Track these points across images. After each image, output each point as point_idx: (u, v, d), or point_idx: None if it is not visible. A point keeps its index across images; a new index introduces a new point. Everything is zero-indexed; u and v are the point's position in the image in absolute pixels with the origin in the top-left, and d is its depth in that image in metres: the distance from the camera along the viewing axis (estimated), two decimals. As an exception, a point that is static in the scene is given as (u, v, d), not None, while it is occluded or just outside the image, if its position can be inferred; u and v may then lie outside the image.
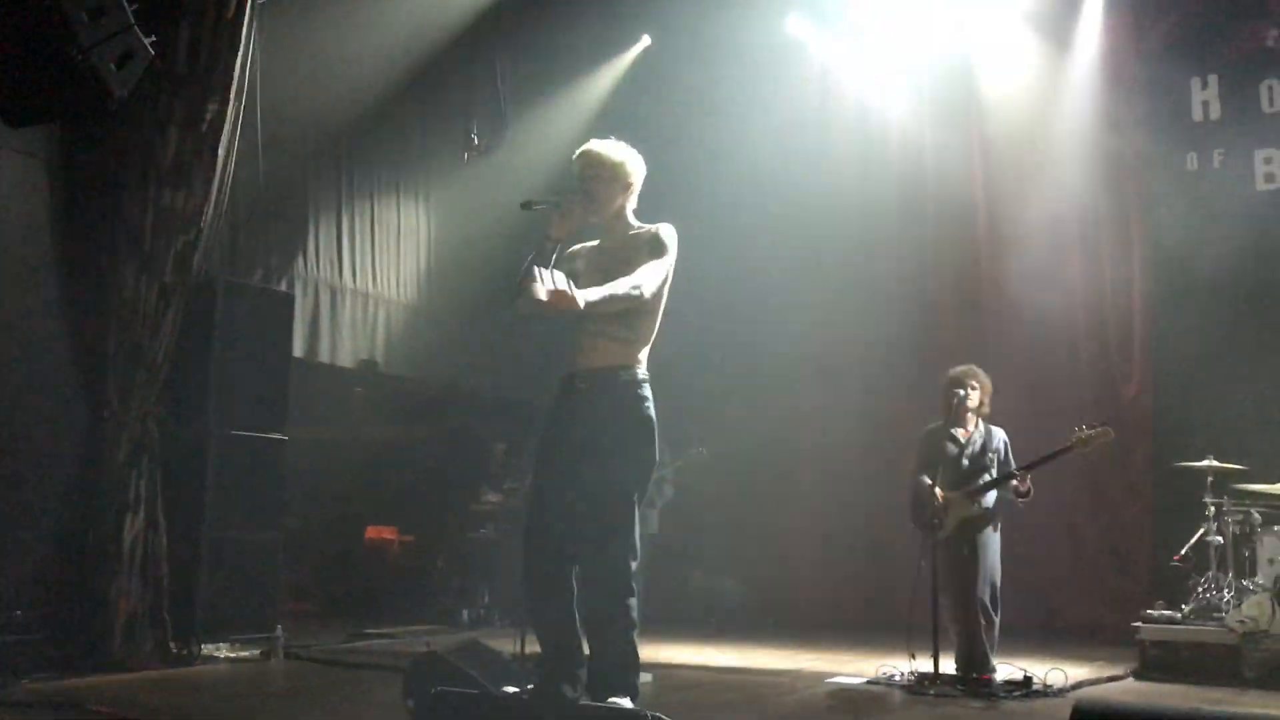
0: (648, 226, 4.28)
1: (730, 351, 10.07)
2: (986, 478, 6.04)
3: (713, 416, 10.05)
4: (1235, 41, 8.47)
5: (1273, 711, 4.99)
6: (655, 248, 4.16)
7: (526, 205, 4.20)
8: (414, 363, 9.74)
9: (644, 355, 4.19)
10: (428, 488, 10.01)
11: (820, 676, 6.29)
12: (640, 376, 4.14)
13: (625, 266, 4.11)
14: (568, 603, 4.05)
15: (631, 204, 4.31)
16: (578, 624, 4.06)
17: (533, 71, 9.76)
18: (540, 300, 3.84)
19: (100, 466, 5.91)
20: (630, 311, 4.10)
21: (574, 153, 4.30)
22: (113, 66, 5.34)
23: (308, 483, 8.65)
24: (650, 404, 4.12)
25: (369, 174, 9.09)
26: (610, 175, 4.22)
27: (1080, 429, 6.01)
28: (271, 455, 6.85)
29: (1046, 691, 5.60)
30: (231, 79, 6.00)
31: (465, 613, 8.95)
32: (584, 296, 3.93)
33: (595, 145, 4.29)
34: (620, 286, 4.01)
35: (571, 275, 4.18)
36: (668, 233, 4.20)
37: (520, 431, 9.11)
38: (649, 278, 4.08)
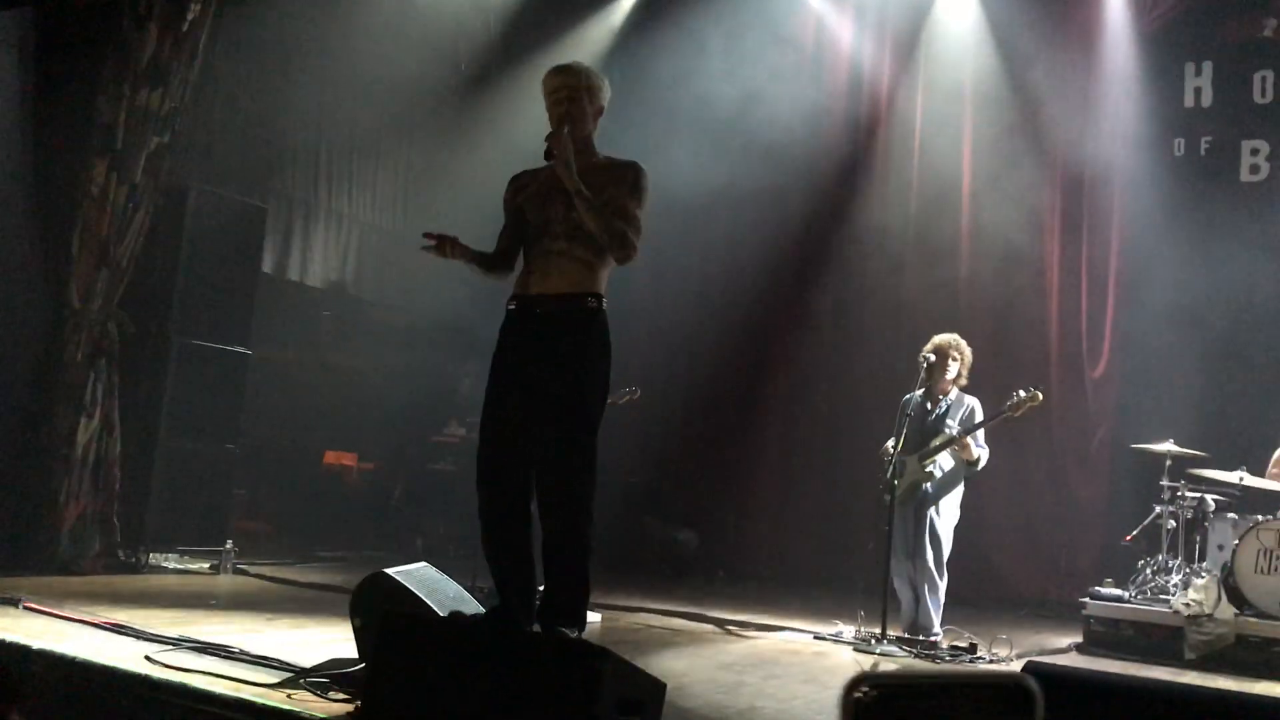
0: (618, 158, 4.14)
1: (697, 298, 10.03)
2: (945, 438, 6.06)
3: (676, 361, 10.04)
4: (1231, 29, 8.44)
5: (1211, 686, 5.06)
6: (636, 189, 4.01)
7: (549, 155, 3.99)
8: (385, 289, 9.65)
9: (605, 283, 4.06)
10: (391, 417, 9.95)
11: (768, 629, 6.33)
12: (603, 305, 4.01)
13: (598, 194, 3.95)
14: (523, 533, 4.00)
15: (596, 128, 4.17)
16: (531, 554, 4.02)
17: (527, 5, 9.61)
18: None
19: (59, 366, 5.82)
20: (618, 256, 3.97)
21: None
22: (94, -44, 5.22)
23: (268, 401, 8.57)
24: (608, 332, 4.02)
25: (353, 95, 8.93)
26: (588, 88, 4.10)
27: (1015, 394, 6.05)
28: (233, 369, 6.77)
29: (992, 659, 5.66)
30: (216, -21, 5.86)
31: (419, 541, 8.95)
32: (578, 185, 3.88)
33: (565, 65, 4.19)
34: (612, 220, 3.91)
35: (520, 202, 4.11)
36: (647, 177, 4.06)
37: (487, 365, 9.05)
38: (635, 227, 3.96)
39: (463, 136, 9.52)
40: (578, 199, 3.90)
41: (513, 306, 4.08)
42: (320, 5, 7.86)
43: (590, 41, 9.92)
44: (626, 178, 4.04)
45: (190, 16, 5.71)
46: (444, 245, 4.05)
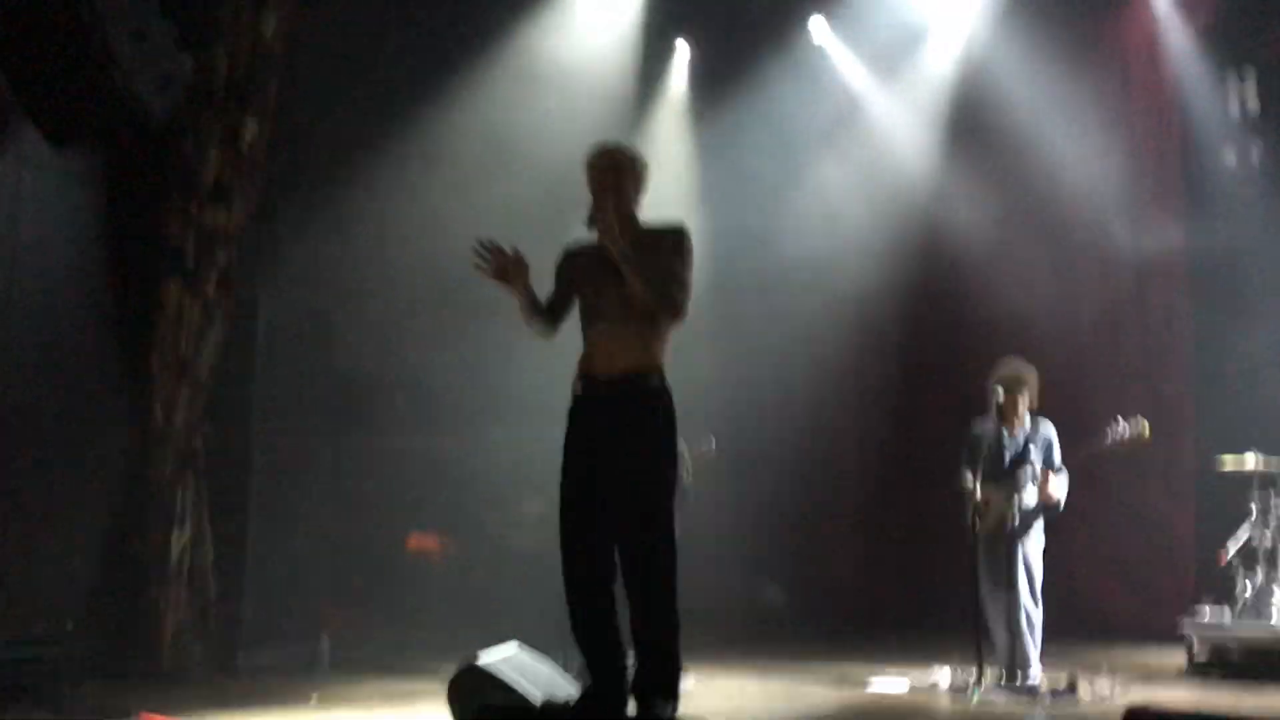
0: (661, 223, 4.22)
1: (766, 350, 10.06)
2: (1030, 471, 5.97)
3: (749, 416, 10.05)
4: (1274, 38, 8.36)
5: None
6: (680, 250, 4.08)
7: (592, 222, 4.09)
8: (453, 371, 9.77)
9: (664, 358, 4.13)
10: (468, 496, 10.05)
11: (863, 679, 6.27)
12: (664, 378, 4.08)
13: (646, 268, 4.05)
14: (609, 611, 4.04)
15: (639, 204, 4.25)
16: (619, 631, 4.06)
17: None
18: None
19: (147, 481, 6.01)
20: (666, 320, 4.06)
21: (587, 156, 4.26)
22: (154, 88, 5.45)
23: (350, 491, 8.71)
24: (673, 405, 4.09)
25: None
26: (631, 168, 4.19)
27: (1119, 423, 5.95)
28: (315, 465, 6.92)
29: (1096, 694, 5.54)
30: (269, 98, 6.08)
31: (506, 620, 8.98)
32: (625, 248, 3.95)
33: (605, 145, 4.27)
34: (658, 284, 3.99)
35: (573, 275, 4.19)
36: (689, 239, 4.13)
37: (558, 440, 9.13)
38: (681, 286, 4.04)
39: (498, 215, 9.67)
40: (624, 264, 3.99)
41: (579, 390, 4.17)
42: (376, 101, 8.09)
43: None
44: (669, 242, 4.11)
45: (248, 136, 5.94)
46: (503, 263, 4.05)
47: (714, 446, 6.64)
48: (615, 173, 4.19)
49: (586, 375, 4.14)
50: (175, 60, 5.40)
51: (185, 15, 5.67)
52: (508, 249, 4.08)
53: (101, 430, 6.06)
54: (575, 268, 4.25)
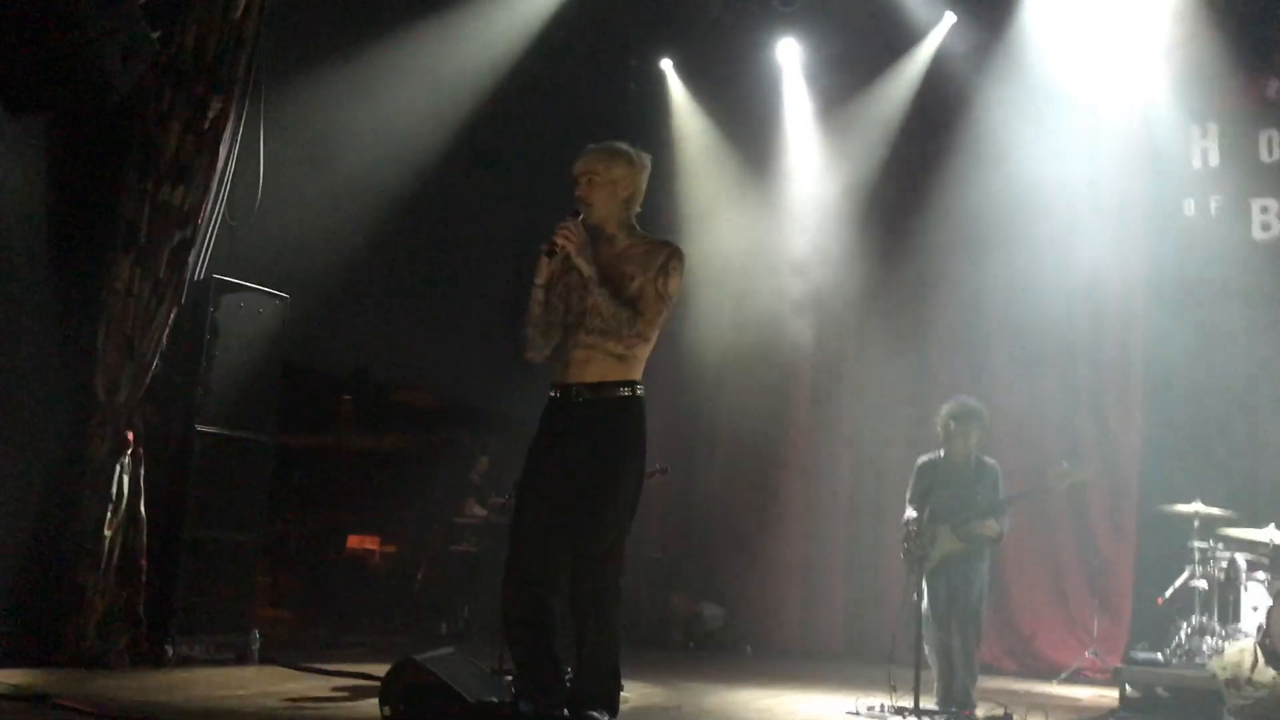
0: (655, 238, 4.19)
1: (717, 373, 10.07)
2: (975, 507, 6.01)
3: (698, 438, 10.05)
4: (1235, 91, 8.52)
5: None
6: (665, 269, 4.04)
7: (550, 253, 4.04)
8: (404, 373, 9.71)
9: (640, 371, 4.11)
10: (411, 499, 9.96)
11: (798, 705, 6.24)
12: (638, 392, 4.06)
13: (626, 280, 4.03)
14: (548, 615, 3.99)
15: (633, 212, 4.21)
16: (555, 638, 4.00)
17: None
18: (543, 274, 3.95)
19: (83, 461, 5.85)
20: (625, 336, 4.02)
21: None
22: (117, 59, 5.34)
23: (292, 488, 8.60)
24: (645, 419, 4.07)
25: (369, 182, 9.06)
26: (606, 179, 4.12)
27: (1058, 465, 6.03)
28: (256, 457, 6.79)
29: (1027, 730, 5.57)
30: (236, 78, 5.97)
31: (444, 625, 8.89)
32: (584, 268, 3.94)
33: (592, 148, 4.19)
34: (621, 305, 3.97)
35: (563, 284, 4.14)
36: (680, 259, 4.09)
37: (504, 445, 9.08)
38: (652, 306, 4.02)
39: (473, 214, 9.64)
40: (589, 283, 3.97)
41: (554, 394, 4.12)
42: (343, 98, 8.03)
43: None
44: (657, 260, 4.07)
45: (211, 114, 5.83)
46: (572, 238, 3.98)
47: (665, 468, 6.59)
48: (589, 182, 4.13)
49: (560, 384, 4.12)
50: (141, 32, 5.29)
51: (155, -13, 5.58)
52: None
53: (40, 408, 5.90)
54: (564, 277, 4.18)
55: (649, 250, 4.11)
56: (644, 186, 4.21)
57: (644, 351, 4.11)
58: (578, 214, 4.04)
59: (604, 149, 4.18)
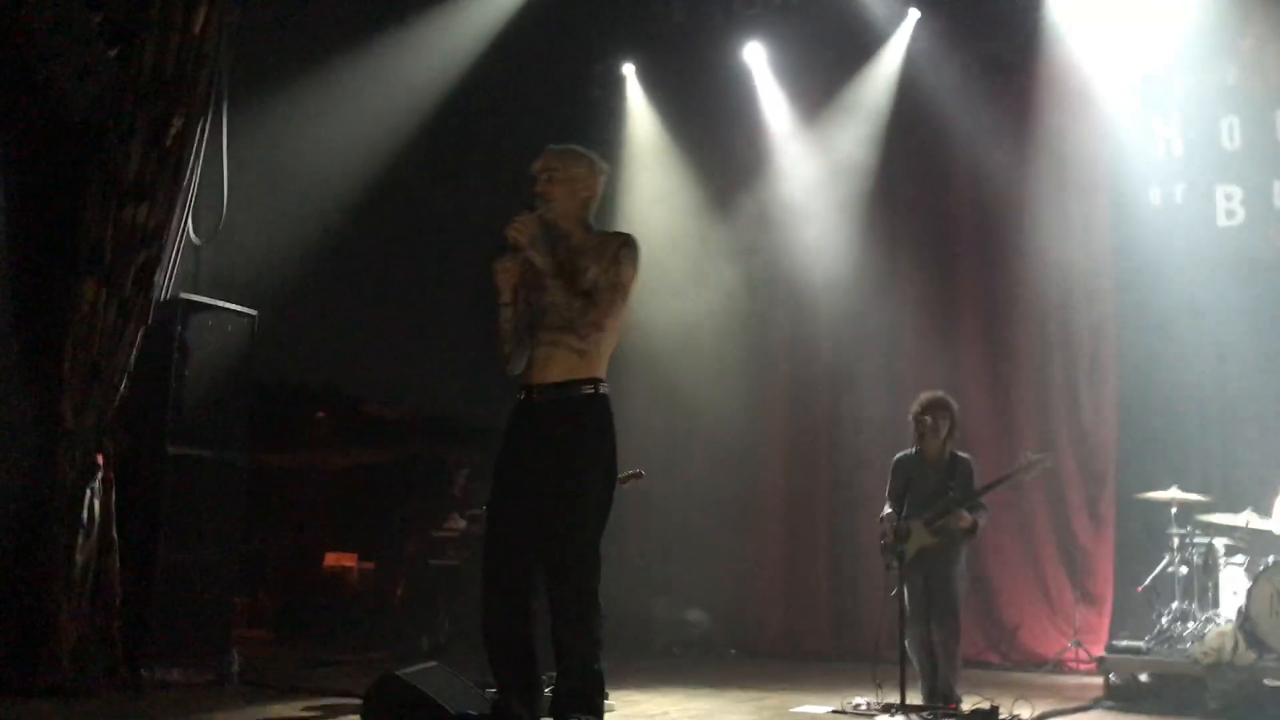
0: (610, 232, 4.21)
1: (696, 376, 10.06)
2: (949, 500, 6.02)
3: (679, 441, 10.03)
4: (1196, 79, 8.57)
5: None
6: (616, 260, 4.04)
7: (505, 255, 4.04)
8: (377, 385, 9.64)
9: (604, 368, 4.09)
10: (389, 514, 9.89)
11: (785, 706, 6.22)
12: (602, 390, 4.05)
13: (581, 273, 4.02)
14: (526, 624, 3.96)
15: (591, 212, 4.23)
16: (534, 645, 3.98)
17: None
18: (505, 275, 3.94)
19: (53, 485, 5.76)
20: (578, 327, 4.01)
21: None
22: (74, 78, 5.29)
23: (266, 507, 8.51)
24: (611, 417, 4.05)
25: (333, 195, 9.01)
26: (566, 177, 4.14)
27: (1025, 454, 6.06)
28: (229, 477, 6.71)
29: (1013, 721, 5.57)
30: (197, 94, 5.91)
31: (425, 640, 8.82)
32: (537, 257, 3.94)
33: (554, 148, 4.22)
34: (579, 300, 3.97)
35: (520, 281, 4.13)
36: (635, 247, 4.10)
37: (483, 457, 9.03)
38: (606, 295, 4.00)
39: (439, 223, 9.61)
40: (544, 274, 3.97)
41: (521, 396, 4.10)
42: (305, 111, 7.99)
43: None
44: (610, 250, 4.08)
45: (173, 131, 5.75)
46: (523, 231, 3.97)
47: (640, 471, 6.56)
48: (549, 179, 4.14)
49: (525, 385, 4.11)
50: (98, 50, 5.24)
51: (110, 5, 5.52)
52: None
53: (5, 433, 5.81)
54: (524, 280, 4.18)
55: (603, 242, 4.14)
56: (600, 192, 4.25)
57: (606, 346, 4.09)
58: (533, 209, 4.04)
59: (565, 148, 4.23)
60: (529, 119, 9.40)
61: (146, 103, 5.76)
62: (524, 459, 4.01)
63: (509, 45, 9.30)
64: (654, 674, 7.43)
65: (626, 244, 4.10)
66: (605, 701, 4.04)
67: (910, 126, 9.38)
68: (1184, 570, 6.86)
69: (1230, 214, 8.43)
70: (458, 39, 9.05)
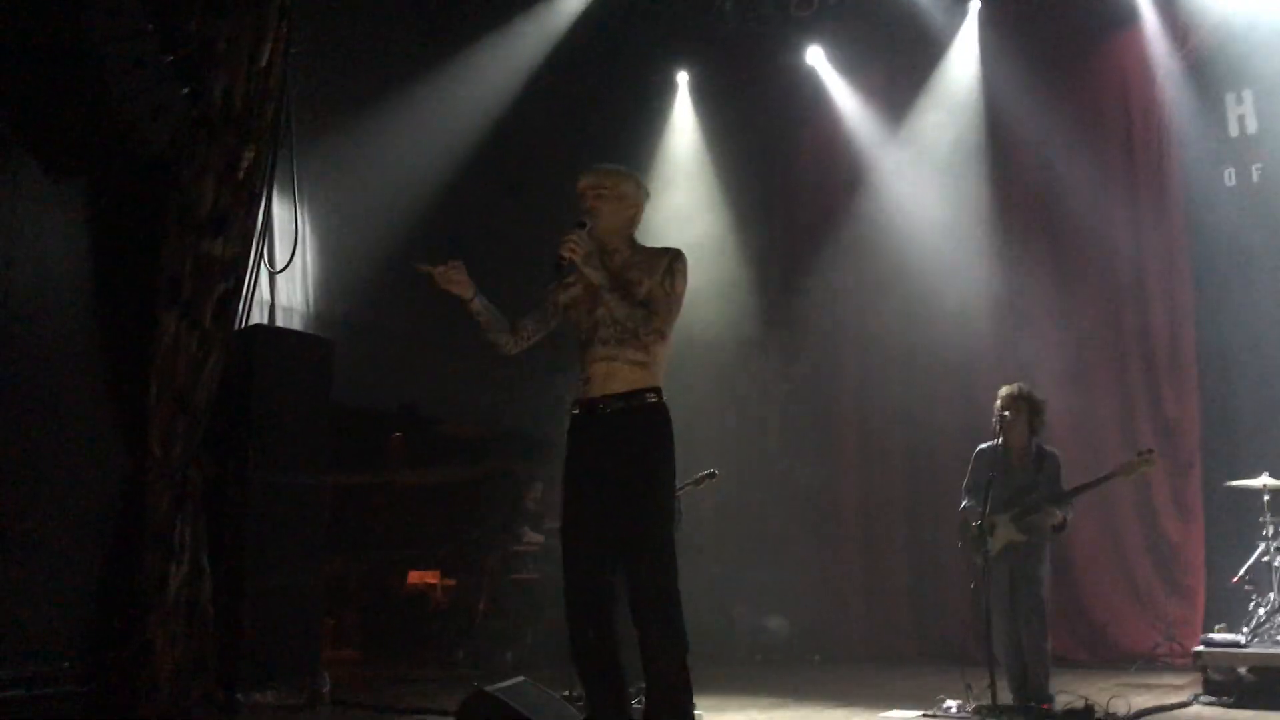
0: (657, 248, 4.25)
1: (770, 385, 10.04)
2: (1036, 496, 5.93)
3: (752, 445, 10.02)
4: (1269, 54, 8.37)
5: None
6: (669, 273, 4.11)
7: (559, 268, 4.11)
8: (451, 406, 9.73)
9: (661, 378, 4.15)
10: (467, 530, 9.97)
11: (874, 711, 6.16)
12: (660, 396, 4.10)
13: (635, 287, 4.08)
14: (611, 632, 3.99)
15: (635, 229, 4.30)
16: (619, 657, 4.00)
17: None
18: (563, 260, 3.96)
19: (144, 516, 5.90)
20: (642, 336, 4.05)
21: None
22: (149, 117, 5.41)
23: (349, 529, 8.63)
24: (671, 425, 4.10)
25: (404, 215, 9.12)
26: (614, 194, 4.21)
27: (1131, 457, 5.94)
28: (312, 501, 6.82)
29: (1110, 719, 5.46)
30: (266, 127, 6.02)
31: (509, 654, 8.87)
32: (594, 271, 3.99)
33: (600, 166, 4.30)
34: (636, 306, 4.02)
35: (570, 299, 4.22)
36: (683, 259, 4.16)
37: (556, 469, 9.07)
38: (665, 306, 4.07)
39: (504, 241, 9.71)
40: (601, 288, 4.02)
41: (576, 411, 4.15)
42: (371, 138, 8.12)
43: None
44: (661, 264, 4.14)
45: (245, 164, 5.87)
46: (444, 273, 4.13)
47: (715, 472, 6.54)
48: (597, 195, 4.21)
49: (583, 399, 4.16)
50: (171, 88, 5.36)
51: (181, 44, 5.65)
52: (434, 267, 4.18)
53: (97, 464, 5.95)
54: (568, 293, 4.28)
55: (652, 257, 4.20)
56: (643, 211, 4.32)
57: (662, 355, 4.16)
58: (583, 225, 4.08)
59: (611, 167, 4.32)
60: (589, 131, 9.45)
61: (218, 138, 5.88)
62: (594, 470, 4.06)
63: (567, 59, 9.36)
64: (737, 681, 7.41)
65: (677, 258, 4.17)
66: (695, 711, 4.03)
67: (994, 116, 9.28)
68: (1278, 560, 6.68)
69: (1311, 190, 8.22)
70: (516, 57, 9.14)
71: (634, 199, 4.26)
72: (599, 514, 4.01)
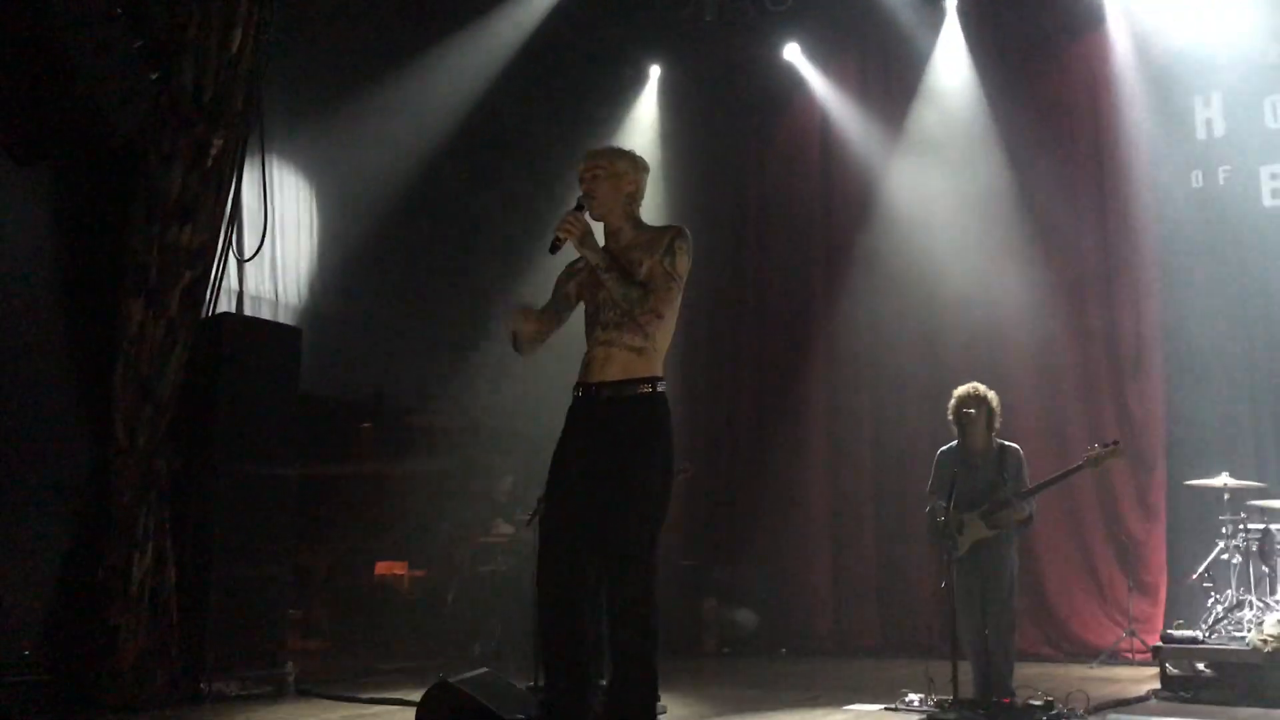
0: (660, 226, 4.25)
1: (739, 376, 10.07)
2: (1000, 493, 5.97)
3: (723, 441, 10.04)
4: (1237, 58, 8.46)
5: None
6: (670, 250, 4.08)
7: (554, 248, 4.10)
8: (421, 397, 9.71)
9: (660, 366, 4.12)
10: (437, 522, 9.96)
11: (837, 704, 6.21)
12: (660, 389, 4.06)
13: (635, 267, 4.06)
14: (582, 621, 3.97)
15: (637, 207, 4.28)
16: (588, 646, 3.99)
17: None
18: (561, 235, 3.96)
19: (108, 504, 5.87)
20: (638, 316, 4.03)
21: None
22: (117, 102, 5.37)
23: (315, 518, 8.60)
24: (669, 416, 4.06)
25: (374, 205, 9.10)
26: (610, 174, 4.19)
27: (1092, 447, 5.99)
28: (279, 490, 6.80)
29: (1069, 714, 5.52)
30: (236, 114, 5.99)
31: (477, 646, 8.87)
32: (592, 254, 3.99)
33: (598, 147, 4.33)
34: (636, 290, 4.01)
35: (578, 284, 4.22)
36: (685, 237, 4.14)
37: (527, 461, 9.07)
38: (665, 285, 4.04)
39: (477, 232, 9.70)
40: (597, 269, 4.01)
41: (578, 393, 4.14)
42: (342, 127, 8.09)
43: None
44: (663, 242, 4.12)
45: (214, 152, 5.84)
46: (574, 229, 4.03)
47: (689, 468, 6.56)
48: (594, 176, 4.20)
49: (583, 382, 4.14)
50: (139, 74, 5.32)
51: (150, 30, 5.61)
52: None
53: (61, 452, 5.92)
54: (575, 279, 4.27)
55: (654, 235, 4.18)
56: (644, 187, 4.30)
57: (662, 342, 4.11)
58: (581, 207, 4.08)
59: (606, 147, 4.33)
60: (563, 123, 9.44)
61: (187, 124, 5.85)
62: (582, 456, 4.02)
63: (541, 51, 9.35)
64: (705, 675, 7.44)
65: (679, 235, 4.13)
66: (658, 705, 4.04)
67: (964, 113, 9.33)
68: (1238, 557, 6.77)
69: (1276, 193, 8.31)
70: (490, 48, 9.12)
71: (631, 176, 4.23)
72: (581, 506, 3.97)
